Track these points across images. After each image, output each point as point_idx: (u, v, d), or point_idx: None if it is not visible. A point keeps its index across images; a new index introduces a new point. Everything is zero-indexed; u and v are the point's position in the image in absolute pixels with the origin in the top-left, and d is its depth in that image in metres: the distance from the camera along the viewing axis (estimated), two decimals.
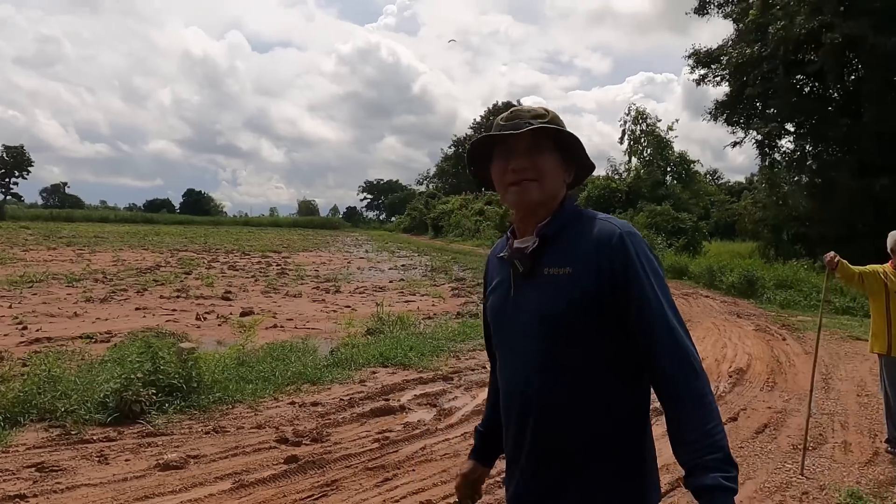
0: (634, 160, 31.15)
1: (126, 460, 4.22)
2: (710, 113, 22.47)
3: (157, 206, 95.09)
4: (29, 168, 68.10)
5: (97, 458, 4.21)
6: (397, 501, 3.72)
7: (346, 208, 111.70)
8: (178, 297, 12.63)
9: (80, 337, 8.22)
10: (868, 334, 4.84)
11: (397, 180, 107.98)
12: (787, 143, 21.68)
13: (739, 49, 19.84)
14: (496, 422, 1.62)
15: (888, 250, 4.66)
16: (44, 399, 5.00)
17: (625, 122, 31.39)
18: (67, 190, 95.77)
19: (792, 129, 20.96)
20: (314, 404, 5.60)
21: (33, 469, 3.99)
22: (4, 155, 65.63)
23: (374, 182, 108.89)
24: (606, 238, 1.35)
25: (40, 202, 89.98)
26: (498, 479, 3.62)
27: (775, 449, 4.72)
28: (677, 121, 40.13)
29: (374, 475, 4.08)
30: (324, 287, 15.28)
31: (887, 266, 4.67)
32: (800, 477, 4.18)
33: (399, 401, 5.79)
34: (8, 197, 68.25)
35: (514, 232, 1.53)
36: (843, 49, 16.78)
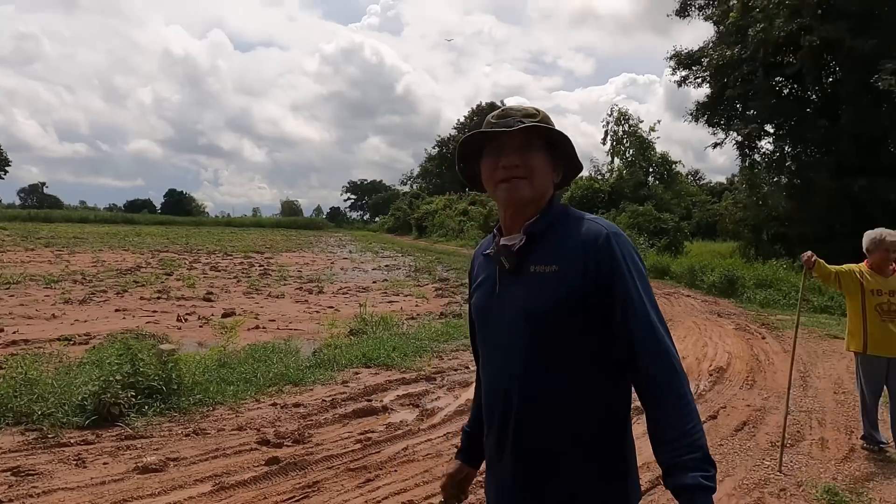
0: (617, 161, 31.34)
1: (104, 463, 4.17)
2: (691, 114, 22.65)
3: (137, 207, 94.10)
4: (6, 168, 67.30)
5: (74, 462, 4.15)
6: (379, 502, 3.71)
7: (330, 209, 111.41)
8: (158, 298, 12.50)
9: (58, 339, 8.10)
10: (845, 333, 4.92)
11: (381, 181, 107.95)
12: (766, 145, 21.93)
13: (720, 51, 20.02)
14: (482, 421, 1.63)
15: (864, 250, 4.74)
16: (20, 402, 4.93)
17: (607, 123, 31.57)
18: (46, 190, 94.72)
19: (771, 131, 21.19)
20: (296, 405, 5.57)
21: (9, 473, 3.93)
22: None
23: (358, 182, 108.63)
24: (593, 238, 1.37)
25: (18, 203, 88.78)
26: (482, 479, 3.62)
27: (754, 446, 4.77)
28: (659, 122, 40.67)
29: (355, 476, 4.07)
30: (307, 288, 15.20)
31: (863, 265, 4.74)
32: (778, 474, 4.23)
33: (382, 401, 5.78)
34: None
35: (501, 229, 1.54)
36: (821, 52, 17.00)
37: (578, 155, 1.52)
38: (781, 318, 11.28)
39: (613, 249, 1.35)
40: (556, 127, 1.46)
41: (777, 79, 19.62)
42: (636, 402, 1.39)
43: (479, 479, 3.58)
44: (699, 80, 22.41)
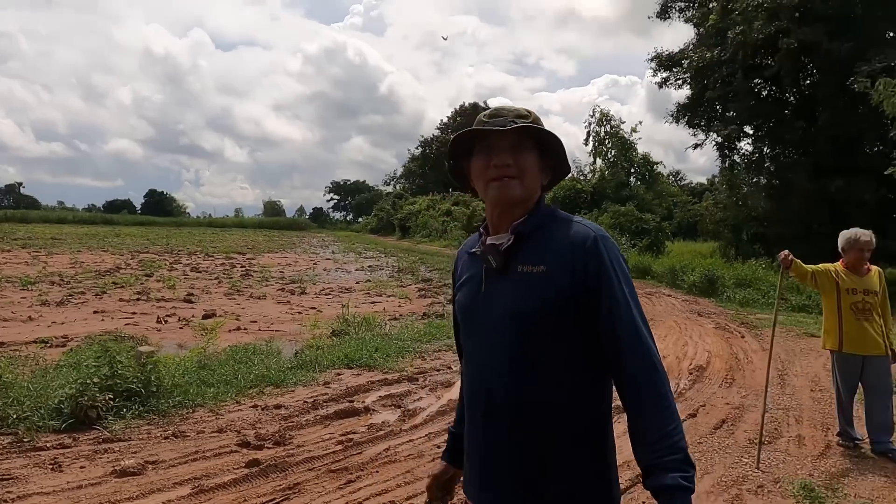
0: (599, 161, 31.55)
1: (81, 467, 4.11)
2: (672, 115, 22.86)
3: (117, 207, 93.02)
4: None
5: (51, 466, 4.09)
6: (360, 503, 3.70)
7: (313, 209, 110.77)
8: (138, 299, 12.36)
9: (35, 342, 7.98)
10: (821, 331, 4.99)
11: (364, 181, 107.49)
12: (746, 146, 22.21)
13: (700, 53, 20.21)
14: None
15: (839, 249, 4.81)
16: None
17: (590, 124, 31.76)
18: (23, 190, 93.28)
19: (750, 132, 21.45)
20: (277, 407, 5.54)
21: None
22: None
23: (341, 183, 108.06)
24: (581, 240, 1.38)
25: None
26: None
27: (733, 444, 4.82)
28: (641, 123, 41.07)
29: (337, 477, 4.05)
30: (289, 289, 15.13)
31: (839, 265, 4.81)
32: (756, 470, 4.28)
33: (364, 402, 5.76)
34: None
35: (487, 228, 1.54)
36: (798, 54, 17.23)
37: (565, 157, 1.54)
38: (760, 317, 11.42)
39: (601, 252, 1.36)
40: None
41: (756, 81, 19.85)
42: (616, 401, 1.41)
43: None
44: (680, 82, 22.63)
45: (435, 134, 74.45)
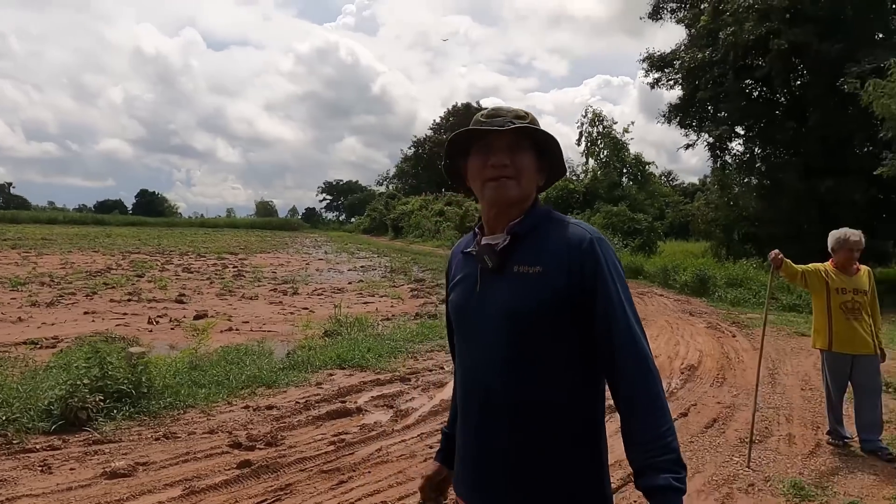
0: (591, 162, 31.71)
1: (71, 469, 4.09)
2: (664, 116, 22.91)
3: (108, 208, 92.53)
4: None
5: (40, 468, 4.07)
6: (352, 503, 3.70)
7: (305, 209, 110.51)
8: (129, 300, 12.30)
9: (25, 343, 7.93)
10: (812, 330, 5.02)
11: (357, 181, 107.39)
12: (737, 146, 22.30)
13: (691, 54, 20.29)
14: None
15: (829, 249, 4.84)
16: None
17: (582, 125, 31.92)
18: (13, 190, 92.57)
19: (742, 132, 21.55)
20: (269, 408, 5.52)
21: None
22: None
23: (334, 183, 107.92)
24: (577, 242, 1.39)
25: None
26: None
27: (723, 443, 4.84)
28: (633, 123, 41.32)
29: (329, 478, 4.05)
30: (281, 289, 15.08)
31: (828, 265, 4.85)
32: (746, 469, 4.30)
33: (356, 403, 5.76)
34: None
35: (482, 228, 1.54)
36: (789, 55, 17.32)
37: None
38: (751, 317, 11.48)
39: (597, 254, 1.37)
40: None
41: (747, 81, 19.94)
42: (608, 401, 1.42)
43: None
44: (671, 83, 22.71)
45: (427, 134, 74.40)
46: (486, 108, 1.53)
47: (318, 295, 14.40)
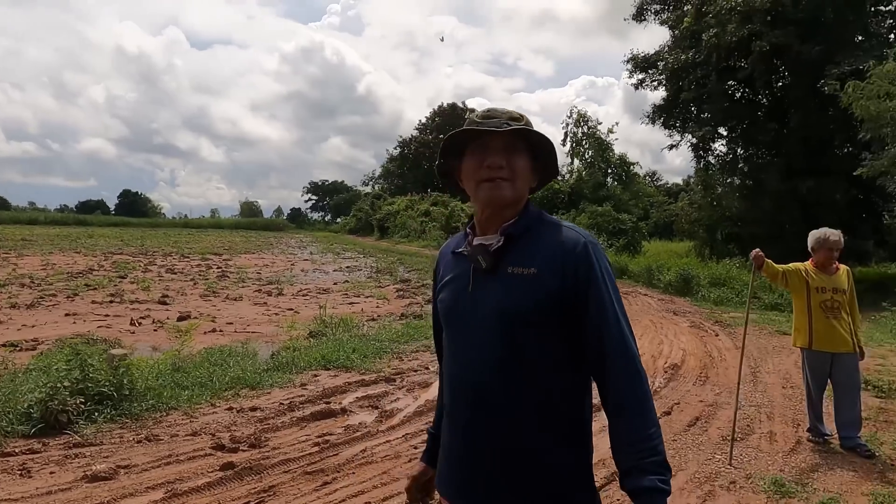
0: (576, 162, 31.85)
1: (51, 473, 4.04)
2: (648, 116, 23.04)
3: (90, 208, 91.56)
4: None
5: (19, 472, 4.01)
6: None
7: (291, 209, 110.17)
8: (111, 302, 12.17)
9: (4, 345, 7.82)
10: (792, 329, 5.08)
11: (342, 181, 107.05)
12: (720, 147, 22.48)
13: (675, 55, 20.43)
14: None
15: (809, 249, 4.90)
16: None
17: (567, 125, 32.06)
18: None
19: (725, 133, 21.73)
20: (253, 409, 5.49)
21: None
22: None
23: (319, 183, 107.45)
24: (572, 245, 1.40)
25: None
26: None
27: (706, 441, 4.89)
28: (618, 124, 41.62)
29: (313, 479, 4.03)
30: (266, 290, 15.00)
31: (808, 264, 4.90)
32: (728, 467, 4.34)
33: (340, 403, 5.74)
34: None
35: (474, 228, 1.55)
36: (770, 57, 17.50)
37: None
38: (734, 316, 11.59)
39: (591, 258, 1.39)
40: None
41: (730, 83, 20.12)
42: (595, 400, 1.43)
43: None
44: (655, 83, 22.83)
45: (413, 134, 74.25)
46: (478, 109, 1.54)
47: (303, 296, 14.33)
